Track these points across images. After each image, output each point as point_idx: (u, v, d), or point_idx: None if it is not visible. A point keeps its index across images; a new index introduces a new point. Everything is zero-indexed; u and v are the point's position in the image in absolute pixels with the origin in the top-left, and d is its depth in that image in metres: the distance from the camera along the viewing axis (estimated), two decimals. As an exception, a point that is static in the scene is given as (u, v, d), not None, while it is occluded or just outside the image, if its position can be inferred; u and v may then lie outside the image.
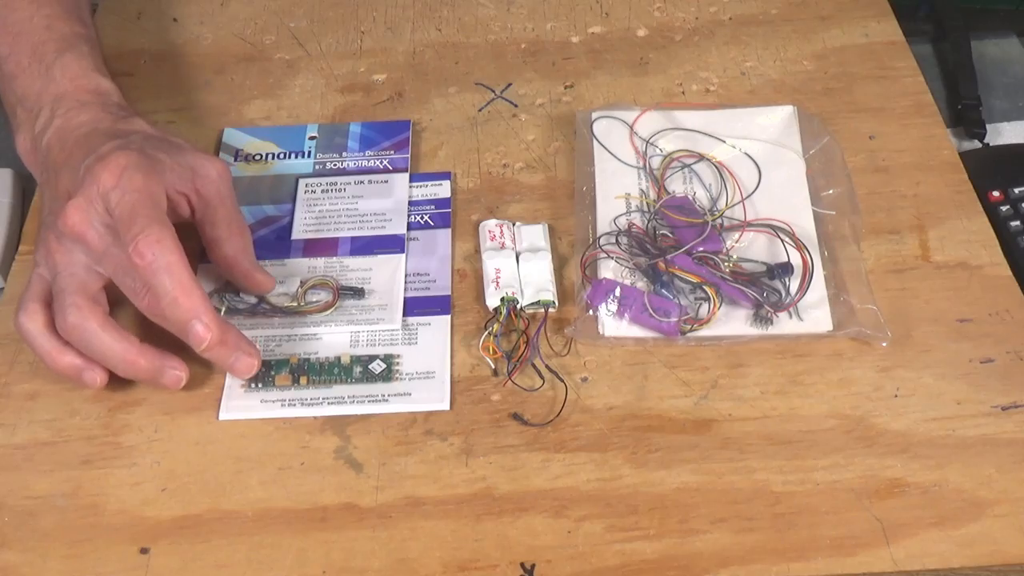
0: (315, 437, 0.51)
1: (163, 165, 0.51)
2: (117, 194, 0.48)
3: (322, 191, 0.61)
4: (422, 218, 0.60)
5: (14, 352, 0.55)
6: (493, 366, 0.53)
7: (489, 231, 0.58)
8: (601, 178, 0.60)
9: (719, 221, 0.57)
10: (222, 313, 0.55)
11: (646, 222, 0.58)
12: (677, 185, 0.60)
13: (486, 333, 0.53)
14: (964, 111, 0.70)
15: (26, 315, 0.50)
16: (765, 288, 0.54)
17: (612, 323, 0.53)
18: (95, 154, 0.50)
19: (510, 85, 0.68)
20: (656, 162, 0.61)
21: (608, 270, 0.56)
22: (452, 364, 0.53)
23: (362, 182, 0.62)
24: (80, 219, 0.49)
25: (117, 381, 0.53)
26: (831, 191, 0.59)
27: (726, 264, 0.55)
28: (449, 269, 0.57)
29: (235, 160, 0.63)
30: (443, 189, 0.61)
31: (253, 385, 0.52)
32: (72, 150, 0.52)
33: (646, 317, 0.53)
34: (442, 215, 0.60)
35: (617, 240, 0.57)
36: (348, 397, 0.52)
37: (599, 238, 0.57)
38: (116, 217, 0.48)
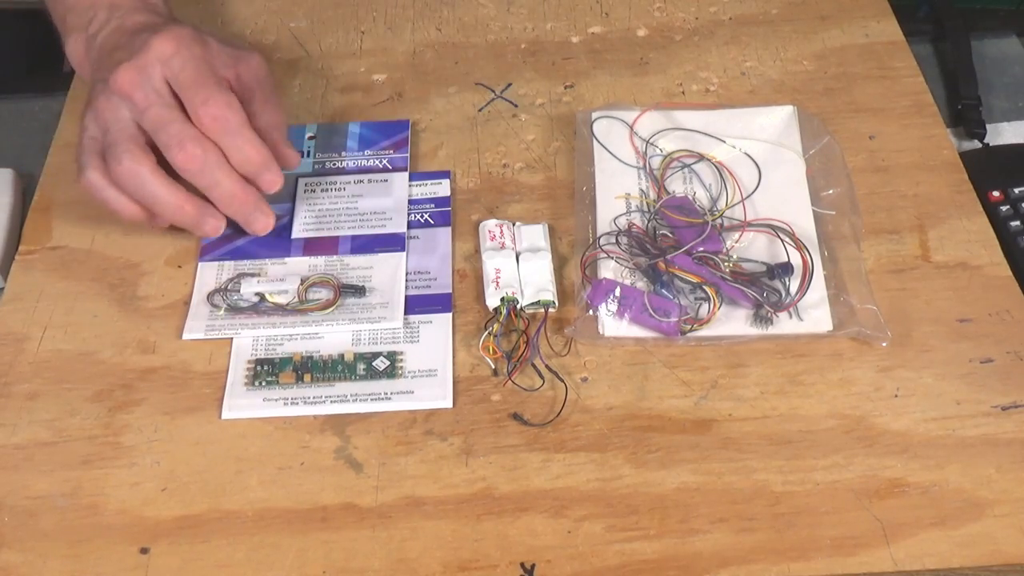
0: (315, 437, 0.51)
1: (212, 48, 0.55)
2: (179, 61, 0.52)
3: (322, 190, 0.61)
4: (422, 216, 0.60)
5: (14, 352, 0.55)
6: (493, 366, 0.53)
7: (489, 231, 0.58)
8: (601, 178, 0.60)
9: (719, 221, 0.57)
10: (222, 312, 0.55)
11: (646, 222, 0.58)
12: (677, 185, 0.60)
13: (486, 333, 0.53)
14: (964, 111, 0.69)
15: (93, 170, 0.53)
16: (765, 288, 0.54)
17: (612, 323, 0.53)
18: (150, 29, 0.54)
19: (510, 85, 0.67)
20: (656, 162, 0.61)
21: (608, 270, 0.56)
22: (453, 363, 0.53)
23: (361, 181, 0.62)
24: (130, 78, 0.52)
25: (117, 383, 0.53)
26: (831, 191, 0.59)
27: (726, 264, 0.55)
28: (450, 267, 0.57)
29: (235, 160, 0.63)
30: (443, 188, 0.61)
31: (256, 383, 0.52)
32: (130, 35, 0.55)
33: (646, 317, 0.53)
34: (442, 213, 0.60)
35: (617, 240, 0.57)
36: (351, 395, 0.52)
37: (599, 238, 0.57)
38: (181, 82, 0.52)
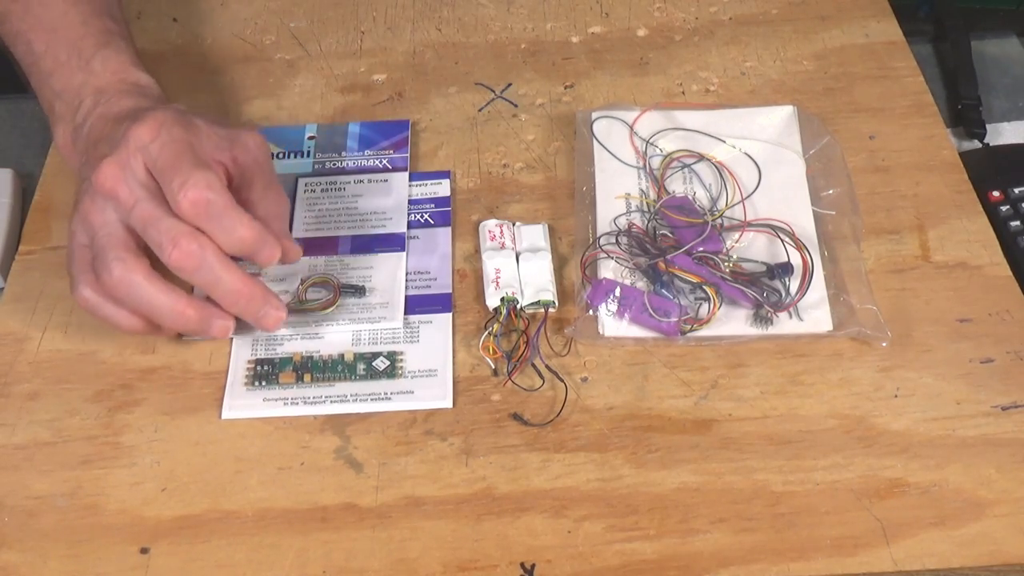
0: (315, 437, 0.51)
1: (199, 130, 0.51)
2: (156, 146, 0.48)
3: (322, 190, 0.61)
4: (422, 216, 0.60)
5: (14, 352, 0.55)
6: (493, 366, 0.53)
7: (489, 231, 0.58)
8: (601, 178, 0.60)
9: (719, 221, 0.57)
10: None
11: (646, 222, 0.58)
12: (677, 185, 0.60)
13: (486, 333, 0.53)
14: (964, 111, 0.70)
15: (85, 286, 0.49)
16: (765, 288, 0.54)
17: (612, 323, 0.53)
18: (131, 117, 0.50)
19: (510, 85, 0.68)
20: (656, 162, 0.61)
21: (608, 270, 0.56)
22: (453, 363, 0.53)
23: (361, 181, 0.62)
24: (112, 174, 0.48)
25: (117, 383, 0.53)
26: (831, 191, 0.59)
27: (726, 264, 0.55)
28: (450, 267, 0.57)
29: (235, 160, 0.63)
30: (443, 188, 0.61)
31: (256, 383, 0.52)
32: (114, 124, 0.51)
33: (646, 317, 0.53)
34: (442, 213, 0.60)
35: (617, 240, 0.57)
36: (351, 395, 0.52)
37: (599, 238, 0.57)
38: (159, 168, 0.48)
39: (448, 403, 0.51)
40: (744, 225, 0.57)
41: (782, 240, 0.56)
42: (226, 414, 0.52)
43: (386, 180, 0.62)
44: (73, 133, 0.54)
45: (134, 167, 0.48)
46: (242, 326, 0.52)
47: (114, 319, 0.50)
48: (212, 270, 0.48)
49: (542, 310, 0.54)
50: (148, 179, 0.48)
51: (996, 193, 0.62)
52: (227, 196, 0.47)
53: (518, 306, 0.54)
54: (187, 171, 0.47)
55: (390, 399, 0.52)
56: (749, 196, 0.59)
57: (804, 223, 0.57)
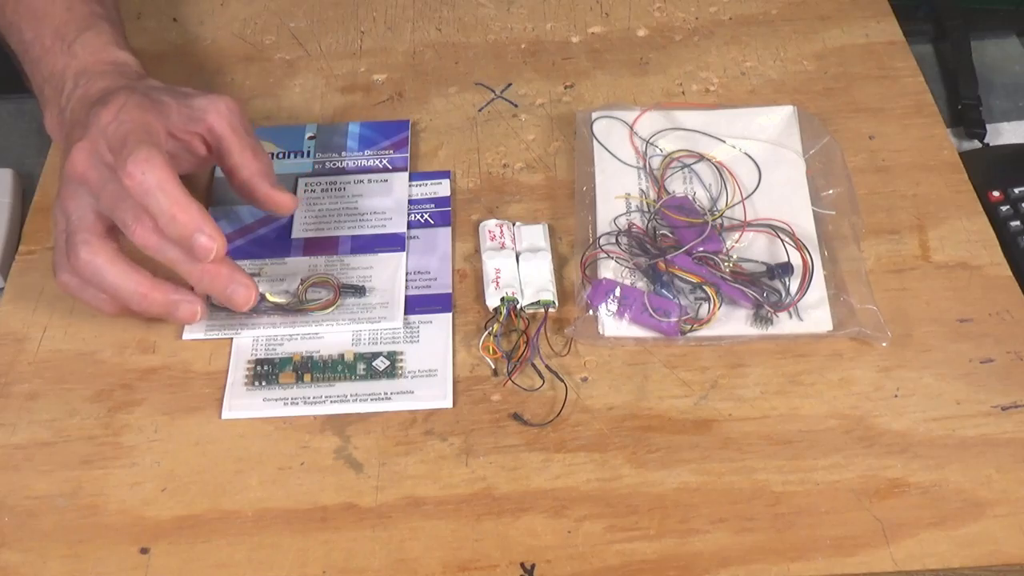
0: (315, 437, 0.51)
1: (167, 107, 0.51)
2: (113, 126, 0.49)
3: (322, 190, 0.61)
4: (422, 216, 0.60)
5: (14, 352, 0.55)
6: (493, 366, 0.53)
7: (489, 231, 0.58)
8: (601, 178, 0.60)
9: (719, 221, 0.57)
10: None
11: (646, 222, 0.58)
12: (677, 185, 0.60)
13: (486, 333, 0.53)
14: (964, 111, 0.70)
15: (63, 271, 0.51)
16: (765, 288, 0.54)
17: (612, 323, 0.53)
18: (102, 100, 0.51)
19: (510, 85, 0.68)
20: (656, 162, 0.61)
21: (608, 270, 0.56)
22: (453, 363, 0.53)
23: (361, 181, 0.62)
24: (82, 159, 0.49)
25: (117, 383, 0.53)
26: (831, 191, 0.59)
27: (726, 264, 0.55)
28: (450, 267, 0.57)
29: (235, 160, 0.63)
30: (443, 188, 0.61)
31: (256, 383, 0.52)
32: (88, 107, 0.52)
33: (646, 317, 0.53)
34: (442, 213, 0.60)
35: (617, 240, 0.57)
36: (351, 395, 0.52)
37: (599, 238, 0.57)
38: (112, 150, 0.48)
39: (448, 403, 0.51)
40: (744, 225, 0.57)
41: (782, 240, 0.56)
42: (226, 414, 0.52)
43: (386, 180, 0.62)
44: (59, 116, 0.55)
45: (101, 151, 0.49)
46: (229, 322, 0.52)
47: (94, 302, 0.51)
48: (174, 247, 0.48)
49: (542, 310, 0.54)
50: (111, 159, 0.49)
51: (996, 193, 0.62)
52: (164, 172, 0.47)
53: (518, 306, 0.54)
54: (129, 148, 0.47)
55: (390, 399, 0.52)
56: (749, 196, 0.59)
57: (804, 223, 0.57)
